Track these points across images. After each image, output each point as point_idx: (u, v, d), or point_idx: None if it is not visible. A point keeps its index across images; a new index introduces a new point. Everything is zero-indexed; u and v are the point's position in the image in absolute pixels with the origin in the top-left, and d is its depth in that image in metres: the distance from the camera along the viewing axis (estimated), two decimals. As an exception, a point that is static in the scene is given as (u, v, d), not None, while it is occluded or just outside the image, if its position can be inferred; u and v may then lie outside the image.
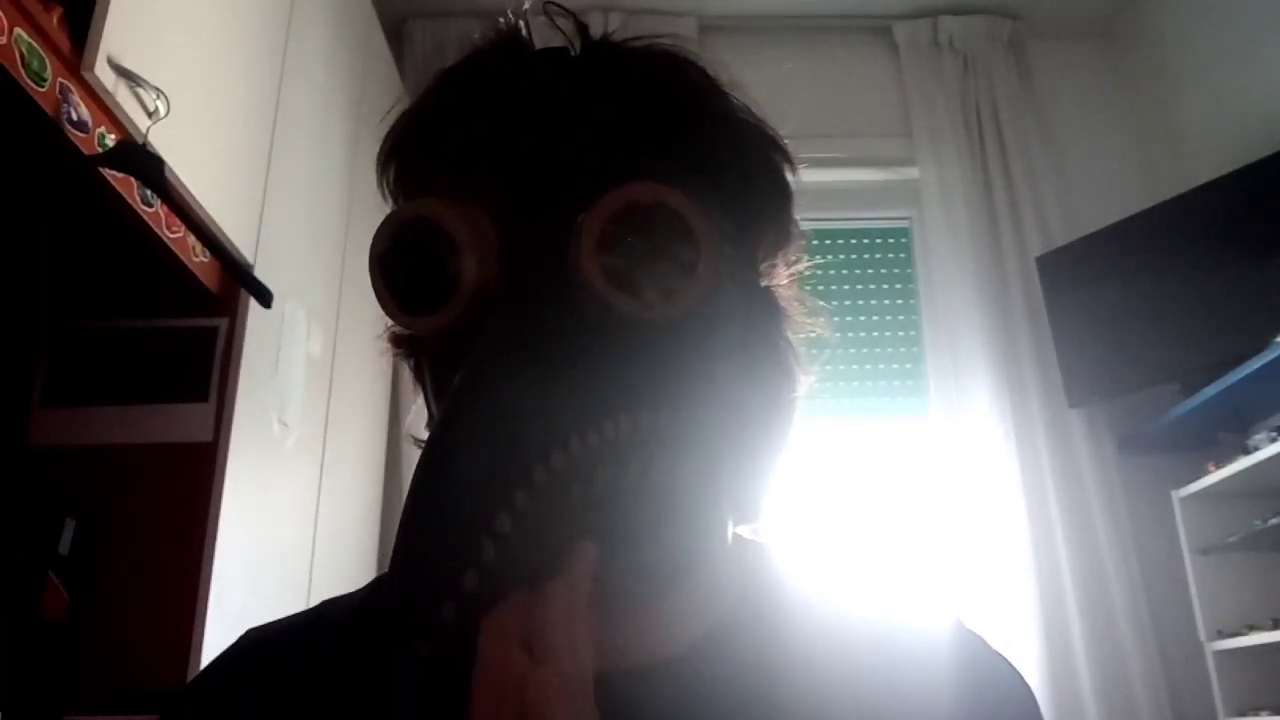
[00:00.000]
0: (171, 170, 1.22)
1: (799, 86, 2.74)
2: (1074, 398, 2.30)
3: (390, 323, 0.44)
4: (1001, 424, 2.33)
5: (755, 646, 0.44)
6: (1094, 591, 2.20)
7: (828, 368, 2.57)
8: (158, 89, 1.20)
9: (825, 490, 2.44)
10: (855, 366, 2.59)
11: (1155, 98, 2.64)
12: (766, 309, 0.47)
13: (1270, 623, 1.92)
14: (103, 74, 1.11)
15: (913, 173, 2.64)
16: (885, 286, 2.67)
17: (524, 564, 0.33)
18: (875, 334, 2.62)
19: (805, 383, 0.49)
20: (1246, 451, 1.95)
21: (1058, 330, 2.35)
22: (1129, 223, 2.29)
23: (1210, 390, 2.01)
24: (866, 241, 2.72)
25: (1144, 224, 2.26)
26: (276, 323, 1.55)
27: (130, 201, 1.19)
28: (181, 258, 1.31)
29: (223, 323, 1.42)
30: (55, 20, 1.07)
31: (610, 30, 2.64)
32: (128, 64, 1.15)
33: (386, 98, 2.31)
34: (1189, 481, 2.11)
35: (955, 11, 2.72)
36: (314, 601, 0.52)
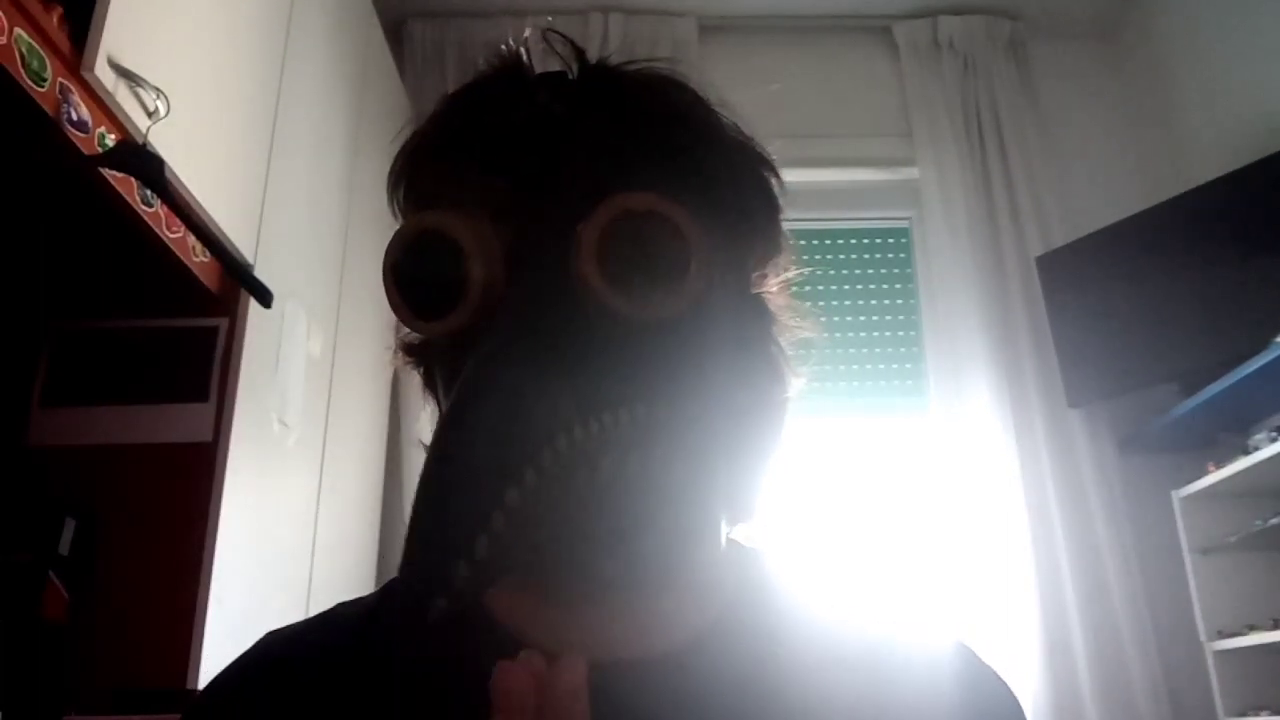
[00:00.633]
0: (171, 170, 1.22)
1: (799, 86, 2.75)
2: (1074, 398, 2.30)
3: (402, 333, 0.47)
4: (1001, 424, 2.33)
5: (750, 647, 0.45)
6: (1094, 591, 2.20)
7: (828, 368, 2.57)
8: (158, 89, 1.20)
9: (825, 490, 2.44)
10: (855, 367, 2.59)
11: (1155, 98, 2.64)
12: (757, 313, 0.50)
13: (1270, 623, 1.92)
14: (103, 74, 1.11)
15: (913, 173, 2.64)
16: (885, 286, 2.67)
17: (529, 539, 0.35)
18: (875, 334, 2.62)
19: (796, 385, 0.51)
20: (1246, 451, 1.95)
21: (1058, 330, 2.35)
22: (1129, 223, 2.29)
23: (1210, 390, 2.01)
24: (866, 241, 2.72)
25: (1144, 224, 2.27)
26: (276, 323, 1.55)
27: (130, 201, 1.19)
28: (181, 258, 1.31)
29: (223, 323, 1.42)
30: (55, 20, 1.07)
31: (609, 31, 2.64)
32: (128, 64, 1.15)
33: (386, 98, 2.31)
34: (1189, 481, 2.11)
35: (955, 11, 2.72)
36: (314, 601, 0.53)
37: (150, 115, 1.19)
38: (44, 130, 1.06)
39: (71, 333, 1.39)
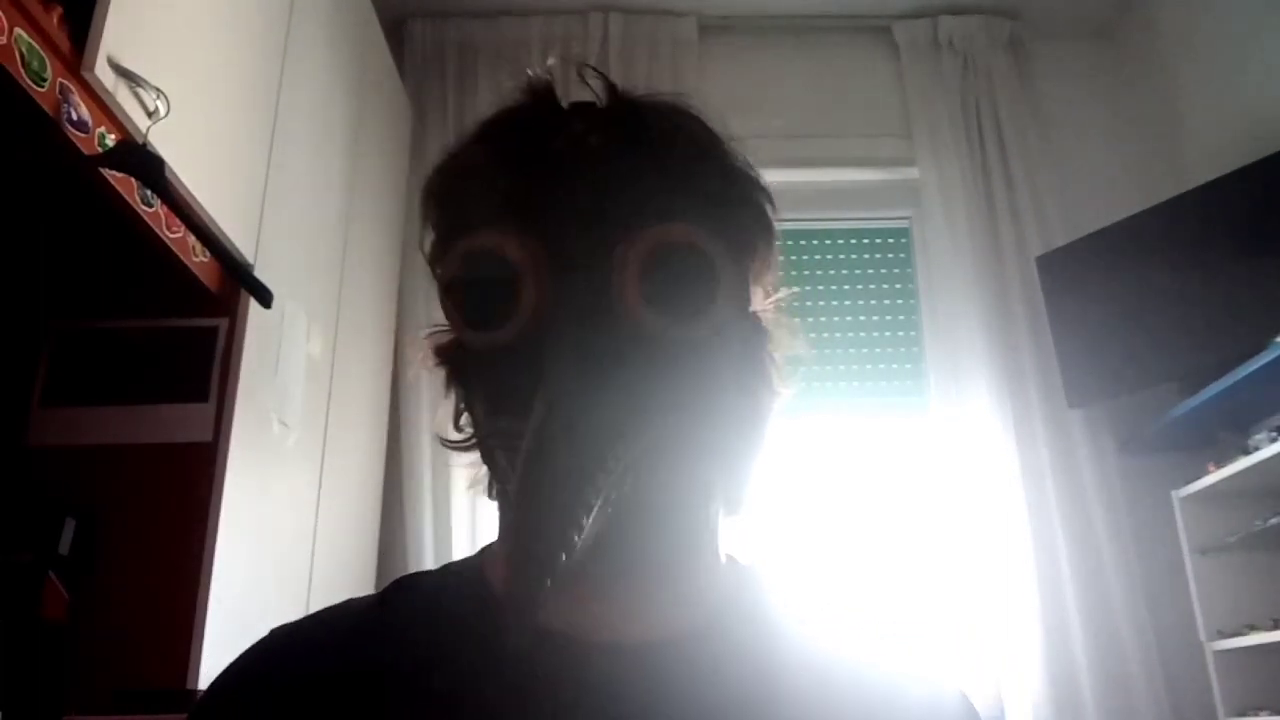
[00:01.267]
0: (171, 170, 1.22)
1: (799, 86, 2.75)
2: (1074, 398, 2.30)
3: (431, 333, 0.53)
4: (1001, 424, 2.33)
5: (744, 640, 0.50)
6: (1094, 591, 2.20)
7: (828, 368, 2.57)
8: (158, 89, 1.20)
9: (825, 490, 2.44)
10: (855, 367, 2.59)
11: (1155, 98, 2.64)
12: (756, 330, 0.55)
13: (1270, 623, 1.92)
14: (103, 74, 1.11)
15: (913, 173, 2.64)
16: (885, 286, 2.67)
17: (600, 532, 0.42)
18: (875, 334, 2.62)
19: (786, 394, 0.56)
20: (1246, 451, 1.95)
21: (1058, 330, 2.35)
22: (1129, 223, 2.29)
23: (1210, 390, 2.01)
24: (866, 241, 2.72)
25: (1144, 224, 2.27)
26: (276, 323, 1.55)
27: (130, 201, 1.19)
28: (181, 258, 1.31)
29: (223, 323, 1.42)
30: (55, 20, 1.07)
31: (609, 31, 2.64)
32: (128, 64, 1.15)
33: (386, 98, 2.31)
34: (1189, 481, 2.11)
35: (955, 11, 2.72)
36: (314, 601, 0.55)
37: (150, 115, 1.19)
38: (44, 130, 1.06)
39: (71, 333, 1.39)
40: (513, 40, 2.63)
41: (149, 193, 1.21)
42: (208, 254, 1.37)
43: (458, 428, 0.55)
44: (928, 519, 2.41)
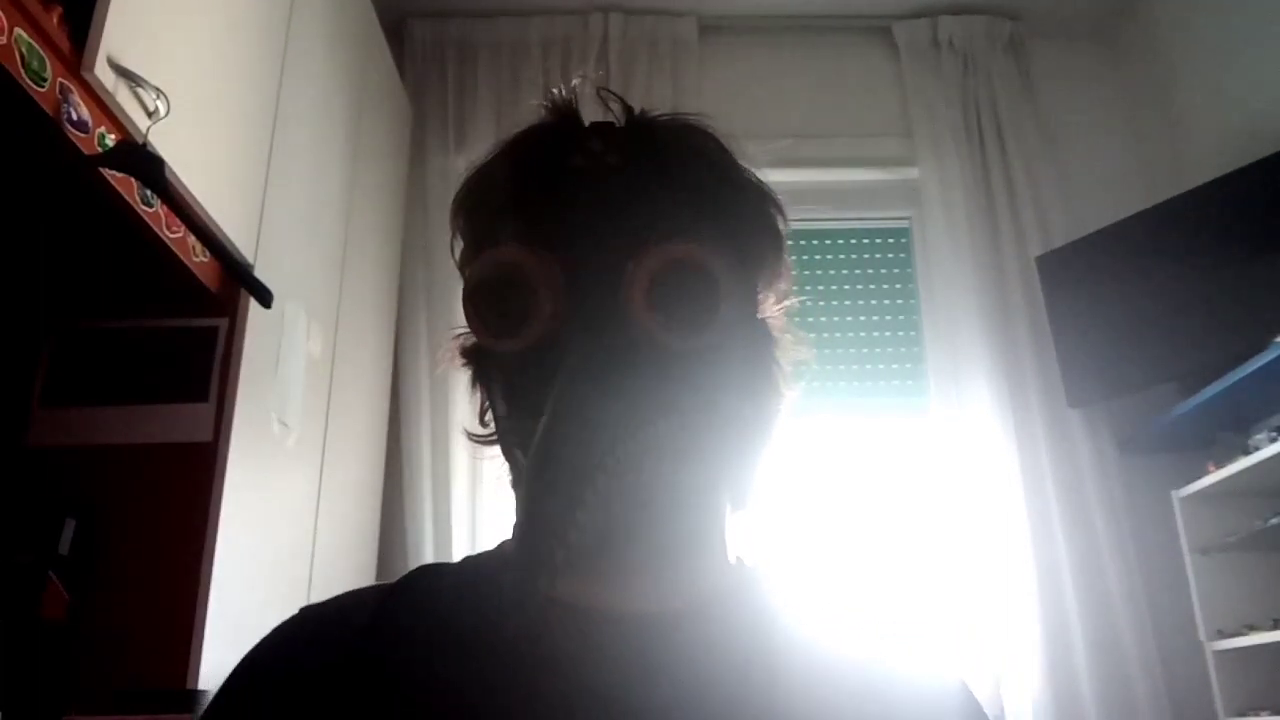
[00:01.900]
0: (171, 170, 1.22)
1: (799, 86, 2.75)
2: (1074, 398, 2.30)
3: (457, 337, 0.58)
4: (1002, 424, 2.33)
5: (746, 621, 0.53)
6: (1094, 592, 2.20)
7: (828, 368, 2.56)
8: (158, 89, 1.20)
9: (825, 490, 2.44)
10: (855, 367, 2.58)
11: (1155, 98, 2.64)
12: (762, 336, 0.58)
13: (1270, 623, 1.92)
14: (103, 74, 1.11)
15: (913, 173, 2.64)
16: (885, 286, 2.67)
17: (597, 526, 0.45)
18: (875, 334, 2.62)
19: (791, 397, 0.59)
20: (1246, 451, 1.95)
21: (1058, 330, 2.35)
22: (1129, 223, 2.29)
23: (1210, 390, 2.01)
24: (866, 241, 2.72)
25: (1144, 224, 2.27)
26: (276, 323, 1.55)
27: (130, 201, 1.19)
28: (181, 258, 1.31)
29: (223, 323, 1.41)
30: (55, 20, 1.07)
31: (609, 31, 2.64)
32: (128, 64, 1.15)
33: (386, 98, 2.31)
34: (1189, 481, 2.11)
35: (955, 11, 2.72)
36: (313, 600, 0.57)
37: (150, 115, 1.19)
38: (44, 130, 1.06)
39: (71, 333, 1.39)
40: (513, 40, 2.64)
41: (149, 193, 1.21)
42: (208, 254, 1.37)
43: (483, 423, 0.59)
44: (928, 519, 2.41)
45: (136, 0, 1.17)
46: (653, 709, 0.47)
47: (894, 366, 2.59)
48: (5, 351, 1.36)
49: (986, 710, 0.57)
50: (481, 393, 0.59)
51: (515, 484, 0.55)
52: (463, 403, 2.24)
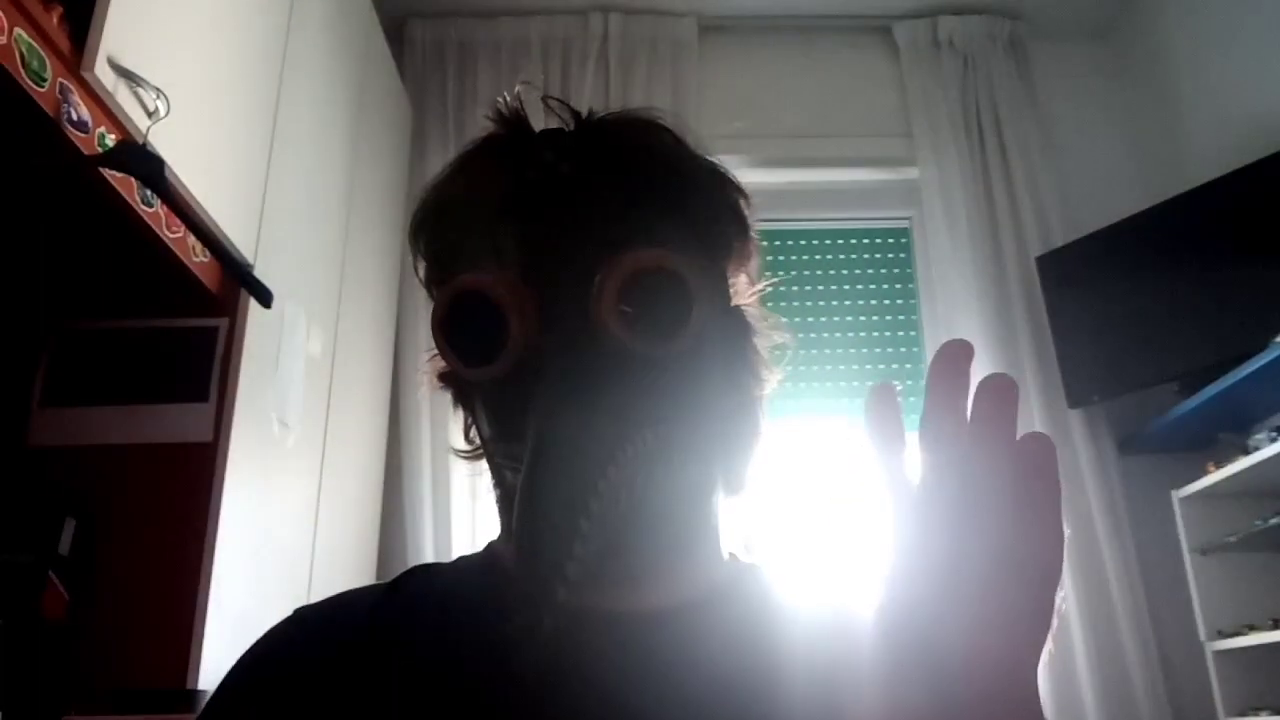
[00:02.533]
0: (171, 170, 1.22)
1: (799, 86, 2.75)
2: (1074, 398, 2.30)
3: (434, 362, 0.56)
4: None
5: (742, 614, 0.53)
6: (1094, 591, 2.20)
7: (828, 368, 2.55)
8: (158, 89, 1.20)
9: (825, 490, 2.44)
10: (855, 367, 2.58)
11: (1155, 98, 2.64)
12: (738, 325, 0.57)
13: (1270, 623, 1.92)
14: (103, 74, 1.11)
15: (913, 173, 2.64)
16: (885, 286, 2.67)
17: (597, 550, 0.44)
18: (875, 334, 2.62)
19: (773, 381, 0.59)
20: (1246, 451, 1.95)
21: (1058, 330, 2.35)
22: (1129, 223, 2.29)
23: (1210, 390, 2.01)
24: (866, 241, 2.72)
25: (1144, 224, 2.27)
26: (276, 323, 1.55)
27: (130, 201, 1.19)
28: (181, 258, 1.31)
29: (223, 323, 1.42)
30: (55, 20, 1.07)
31: (609, 31, 2.64)
32: (128, 64, 1.15)
33: (386, 98, 2.31)
34: (1189, 481, 2.11)
35: (955, 11, 2.72)
36: (313, 601, 0.57)
37: (150, 115, 1.19)
38: (44, 130, 1.06)
39: (71, 333, 1.39)
40: (513, 40, 2.64)
41: (149, 193, 1.21)
42: (208, 254, 1.37)
43: (467, 439, 0.58)
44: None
45: (136, 0, 1.17)
46: (650, 706, 0.47)
47: (894, 367, 2.59)
48: (5, 351, 1.36)
49: None
50: (464, 413, 0.58)
51: (501, 500, 0.55)
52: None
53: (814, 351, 2.57)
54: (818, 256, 2.68)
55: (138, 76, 1.16)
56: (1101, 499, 2.27)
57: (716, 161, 0.57)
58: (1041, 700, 0.38)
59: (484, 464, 0.57)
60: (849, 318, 2.63)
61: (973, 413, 0.39)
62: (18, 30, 1.00)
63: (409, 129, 2.50)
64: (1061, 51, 2.79)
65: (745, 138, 2.65)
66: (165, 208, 1.25)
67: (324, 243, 1.87)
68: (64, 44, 1.07)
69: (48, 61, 1.05)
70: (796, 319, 2.58)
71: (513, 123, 0.55)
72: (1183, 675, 2.15)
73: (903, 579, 0.40)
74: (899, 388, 0.41)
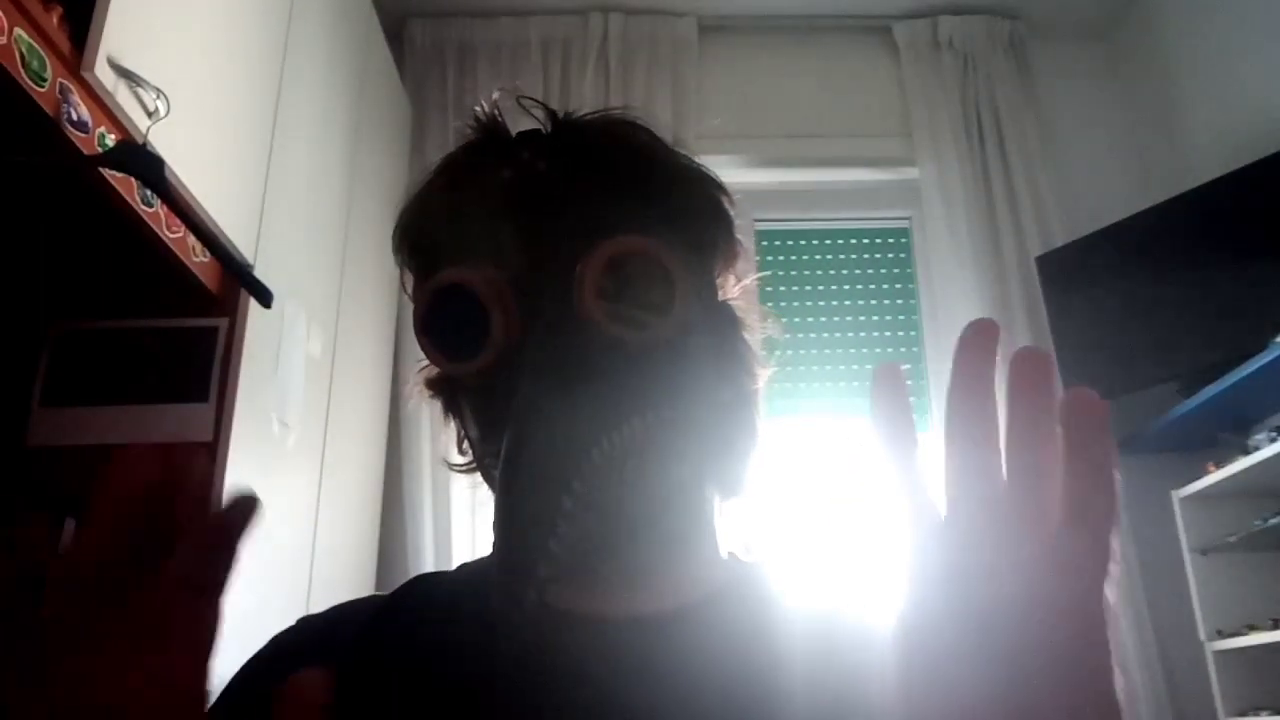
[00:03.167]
0: (171, 170, 1.22)
1: (799, 86, 2.75)
2: (1074, 398, 2.30)
3: (422, 368, 0.56)
4: (1001, 423, 2.33)
5: (742, 618, 0.53)
6: (1094, 591, 2.20)
7: (828, 368, 2.54)
8: (158, 89, 1.20)
9: (824, 490, 2.44)
10: (855, 367, 2.58)
11: (1155, 98, 2.64)
12: (727, 319, 0.56)
13: (1270, 623, 1.92)
14: (103, 74, 1.11)
15: (913, 173, 2.64)
16: (885, 286, 2.67)
17: (582, 535, 0.44)
18: (875, 334, 2.62)
19: (765, 375, 0.58)
20: (1246, 451, 1.95)
21: (1057, 330, 2.35)
22: (1129, 223, 2.29)
23: (1210, 390, 2.01)
24: (866, 241, 2.72)
25: (1144, 224, 2.27)
26: (276, 323, 1.55)
27: (130, 201, 1.19)
28: (181, 258, 1.31)
29: (223, 323, 1.41)
30: (55, 20, 1.07)
31: (609, 31, 2.64)
32: (128, 64, 1.15)
33: (386, 98, 2.31)
34: (1189, 481, 2.11)
35: (955, 11, 2.72)
36: (314, 601, 0.57)
37: (150, 115, 1.19)
38: (44, 130, 1.06)
39: (71, 333, 1.39)
40: (513, 40, 2.64)
41: (149, 193, 1.21)
42: (208, 254, 1.37)
43: (461, 452, 0.58)
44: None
45: (136, 0, 1.17)
46: (649, 711, 0.46)
47: (894, 366, 2.58)
48: (5, 351, 1.36)
49: None
50: (455, 422, 0.58)
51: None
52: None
53: (813, 352, 2.57)
54: (818, 256, 2.68)
55: (138, 76, 1.16)
56: (1101, 499, 2.26)
57: (696, 160, 0.57)
58: None
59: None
60: (849, 318, 2.63)
61: (1010, 414, 0.34)
62: (18, 30, 1.00)
63: (409, 129, 2.50)
64: (1061, 51, 2.79)
65: (745, 137, 2.65)
66: (165, 208, 1.25)
67: (324, 243, 1.87)
68: (64, 44, 1.07)
69: (48, 61, 1.05)
70: (796, 319, 2.58)
71: (489, 128, 0.55)
72: (1183, 675, 2.15)
73: (924, 624, 0.35)
74: (906, 367, 0.37)
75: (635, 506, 0.48)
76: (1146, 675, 2.13)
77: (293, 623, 0.56)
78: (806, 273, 2.65)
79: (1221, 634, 2.00)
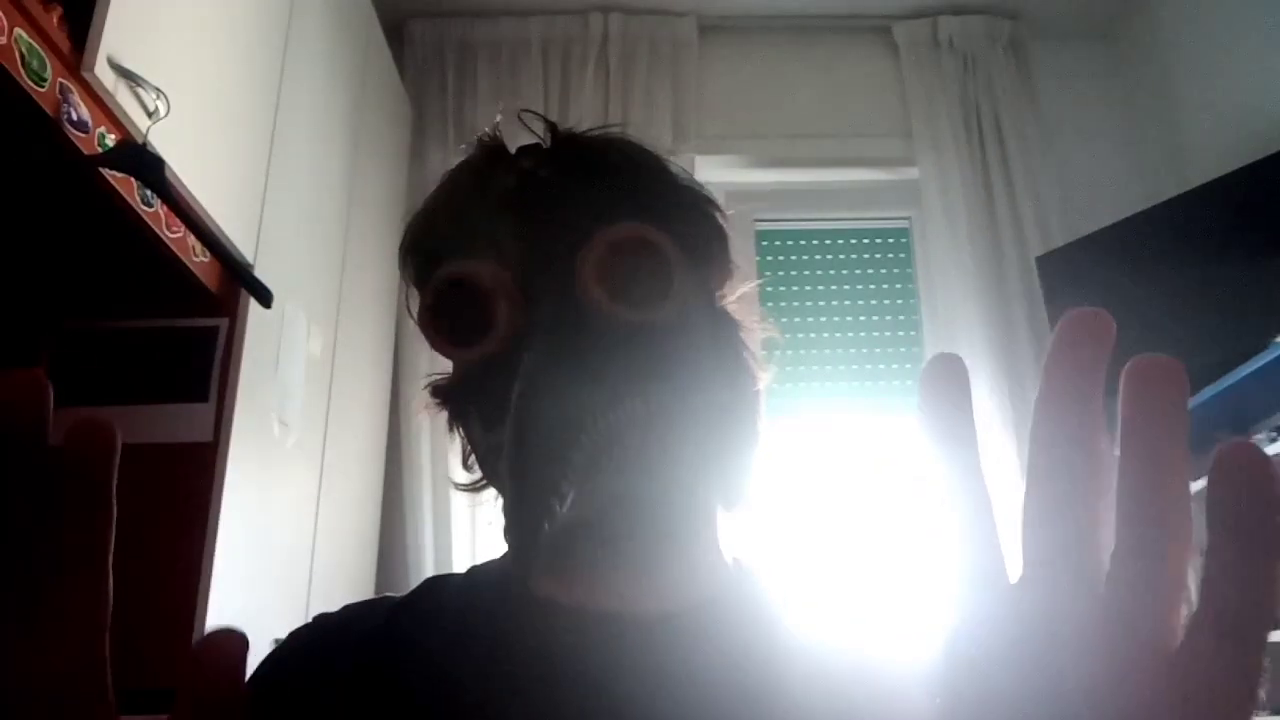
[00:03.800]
0: (171, 170, 1.22)
1: (799, 86, 2.75)
2: (1074, 398, 2.30)
3: (429, 379, 0.58)
4: (1001, 424, 2.33)
5: (743, 618, 0.53)
6: (1094, 591, 2.20)
7: (828, 367, 2.55)
8: (158, 89, 1.20)
9: (824, 489, 2.44)
10: (855, 367, 2.58)
11: (1155, 98, 2.64)
12: (725, 322, 0.58)
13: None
14: (103, 74, 1.11)
15: (913, 173, 2.64)
16: (885, 286, 2.67)
17: (582, 503, 0.45)
18: (875, 334, 2.62)
19: (765, 379, 0.59)
20: (1246, 451, 1.95)
21: (1058, 330, 2.34)
22: (1129, 223, 2.29)
23: (1210, 390, 2.01)
24: (866, 241, 2.72)
25: (1144, 224, 2.27)
26: (276, 323, 1.55)
27: (130, 201, 1.19)
28: (181, 258, 1.31)
29: (223, 323, 1.42)
30: (55, 20, 1.07)
31: (609, 31, 2.64)
32: (128, 64, 1.15)
33: (387, 98, 2.31)
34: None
35: (955, 11, 2.72)
36: (314, 601, 0.58)
37: (150, 115, 1.19)
38: (44, 130, 1.06)
39: (71, 333, 1.39)
40: (513, 40, 2.63)
41: (149, 193, 1.21)
42: (208, 254, 1.37)
43: (466, 468, 0.59)
44: (927, 518, 2.40)
45: (136, 0, 1.17)
46: (651, 711, 0.47)
47: (894, 366, 2.59)
48: (6, 351, 1.36)
49: None
50: (461, 431, 0.58)
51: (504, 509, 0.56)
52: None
53: (813, 352, 2.57)
54: (818, 256, 2.68)
55: (138, 76, 1.16)
56: (1101, 499, 2.26)
57: (691, 176, 0.59)
58: None
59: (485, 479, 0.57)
60: (849, 318, 2.63)
61: (1126, 453, 0.25)
62: (18, 30, 1.00)
63: (409, 128, 2.50)
64: (1061, 51, 2.79)
65: (745, 137, 2.66)
66: (165, 208, 1.25)
67: (324, 243, 1.87)
68: (64, 44, 1.07)
69: (48, 61, 1.05)
70: (796, 319, 2.59)
71: (490, 146, 0.57)
72: (1183, 675, 2.14)
73: (980, 667, 0.27)
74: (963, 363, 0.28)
75: (632, 493, 0.49)
76: (1146, 675, 2.13)
77: (309, 620, 0.57)
78: (806, 273, 2.65)
79: (1221, 634, 2.00)
